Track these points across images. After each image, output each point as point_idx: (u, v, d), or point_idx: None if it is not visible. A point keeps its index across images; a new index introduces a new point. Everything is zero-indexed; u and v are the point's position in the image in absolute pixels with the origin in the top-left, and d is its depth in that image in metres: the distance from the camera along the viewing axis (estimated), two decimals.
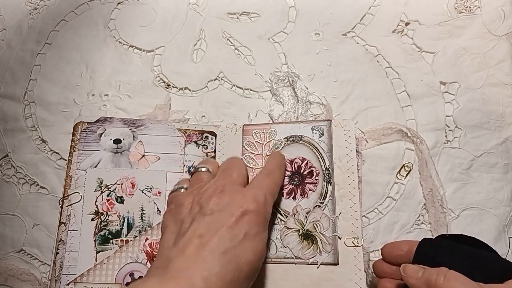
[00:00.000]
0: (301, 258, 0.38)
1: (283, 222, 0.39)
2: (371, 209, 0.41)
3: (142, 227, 0.40)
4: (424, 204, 0.40)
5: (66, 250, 0.39)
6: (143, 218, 0.41)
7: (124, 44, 0.50)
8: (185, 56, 0.49)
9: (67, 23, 0.52)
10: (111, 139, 0.43)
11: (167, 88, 0.47)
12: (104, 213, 0.40)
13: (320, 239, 0.38)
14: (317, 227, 0.38)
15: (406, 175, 0.42)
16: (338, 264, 0.37)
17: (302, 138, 0.42)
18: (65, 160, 0.43)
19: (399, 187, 0.41)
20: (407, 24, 0.48)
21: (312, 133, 0.42)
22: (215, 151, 0.43)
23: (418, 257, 0.33)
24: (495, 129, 0.42)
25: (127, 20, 0.51)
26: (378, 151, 0.42)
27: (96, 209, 0.41)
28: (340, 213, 0.39)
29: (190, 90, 0.47)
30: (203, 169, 0.36)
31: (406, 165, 0.42)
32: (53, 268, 0.39)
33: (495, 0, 0.47)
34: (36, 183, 0.44)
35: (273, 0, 0.50)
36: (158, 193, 0.41)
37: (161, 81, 0.48)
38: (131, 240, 0.40)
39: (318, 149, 0.41)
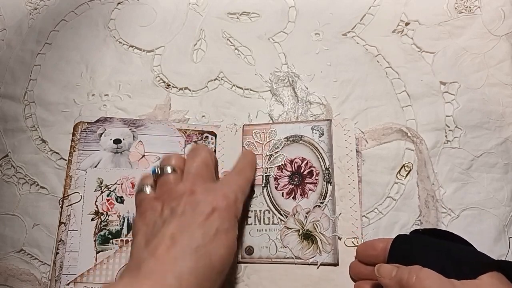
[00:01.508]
0: (301, 258, 0.38)
1: (283, 222, 0.39)
2: (371, 209, 0.41)
3: None
4: (419, 206, 0.40)
5: (66, 250, 0.39)
6: None
7: (124, 44, 0.50)
8: (185, 56, 0.49)
9: (67, 23, 0.52)
10: (111, 139, 0.43)
11: (167, 88, 0.47)
12: (104, 213, 0.40)
13: (320, 239, 0.38)
14: (317, 227, 0.38)
15: (406, 175, 0.41)
16: (338, 265, 0.37)
17: (302, 138, 0.42)
18: (65, 160, 0.43)
19: (399, 187, 0.41)
20: (407, 24, 0.48)
21: (312, 133, 0.42)
22: (215, 151, 0.43)
23: (393, 255, 0.32)
24: (495, 129, 0.42)
25: (127, 20, 0.51)
26: (378, 151, 0.42)
27: (96, 209, 0.41)
28: (340, 213, 0.39)
29: (190, 90, 0.47)
30: (169, 170, 0.34)
31: (406, 165, 0.42)
32: (53, 268, 0.39)
33: (495, 0, 0.47)
34: (36, 183, 0.44)
35: (273, 0, 0.50)
36: None
37: (161, 81, 0.48)
38: (131, 240, 0.40)
39: (318, 149, 0.41)
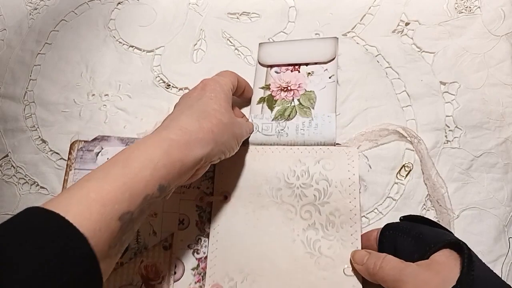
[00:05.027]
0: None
1: None
2: (371, 209, 0.41)
3: (137, 249, 0.39)
4: (424, 204, 0.40)
5: None
6: (139, 240, 0.40)
7: (124, 44, 0.50)
8: (185, 56, 0.49)
9: (67, 23, 0.52)
10: (108, 158, 0.42)
11: (167, 88, 0.47)
12: None
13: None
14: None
15: (406, 175, 0.41)
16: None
17: None
18: (65, 160, 0.43)
19: (399, 187, 0.41)
20: (407, 24, 0.48)
21: None
22: None
23: (381, 243, 0.35)
24: (495, 129, 0.42)
25: (127, 20, 0.51)
26: (378, 151, 0.42)
27: None
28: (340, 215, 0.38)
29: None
30: None
31: (406, 165, 0.42)
32: None
33: (495, 0, 0.47)
34: (36, 183, 0.44)
35: (273, 0, 0.50)
36: (154, 214, 0.40)
37: (161, 81, 0.48)
38: (126, 262, 0.39)
39: None
